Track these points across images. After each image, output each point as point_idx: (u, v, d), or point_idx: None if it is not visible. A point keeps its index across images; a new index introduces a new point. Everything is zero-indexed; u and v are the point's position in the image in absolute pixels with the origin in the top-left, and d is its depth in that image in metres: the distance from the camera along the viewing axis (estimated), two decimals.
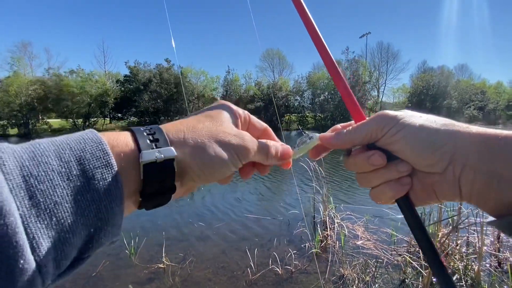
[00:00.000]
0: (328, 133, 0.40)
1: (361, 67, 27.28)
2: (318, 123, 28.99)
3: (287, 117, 29.54)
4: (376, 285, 2.77)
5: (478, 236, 3.05)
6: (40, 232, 0.21)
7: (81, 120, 25.22)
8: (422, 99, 28.95)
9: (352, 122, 0.39)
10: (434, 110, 27.64)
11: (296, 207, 5.13)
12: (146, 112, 24.10)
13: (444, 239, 3.09)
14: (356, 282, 2.80)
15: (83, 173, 0.24)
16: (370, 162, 0.34)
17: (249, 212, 4.93)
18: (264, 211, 5.03)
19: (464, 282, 2.73)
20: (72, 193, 0.23)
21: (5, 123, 22.85)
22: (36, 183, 0.21)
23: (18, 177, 0.21)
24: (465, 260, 3.04)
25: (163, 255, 3.32)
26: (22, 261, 0.20)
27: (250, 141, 0.34)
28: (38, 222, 0.21)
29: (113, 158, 0.25)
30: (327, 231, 3.82)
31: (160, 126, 0.32)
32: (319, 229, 4.00)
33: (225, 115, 0.36)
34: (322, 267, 3.17)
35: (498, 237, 3.37)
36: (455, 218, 3.42)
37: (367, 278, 2.87)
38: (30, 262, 0.20)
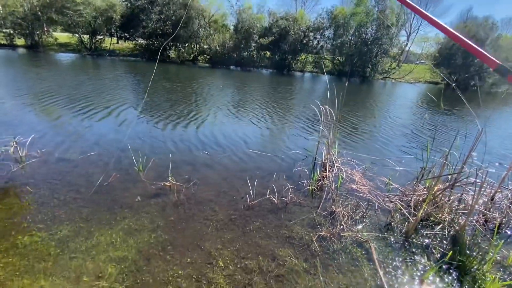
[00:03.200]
0: None
1: (389, 10, 23.78)
2: (335, 68, 27.21)
3: (302, 57, 27.60)
4: (363, 224, 2.98)
5: (473, 195, 3.13)
6: None
7: (88, 36, 24.05)
8: (452, 53, 26.29)
9: None
10: (463, 67, 25.36)
11: (300, 148, 5.22)
12: (154, 34, 22.59)
13: (438, 193, 3.18)
14: (345, 219, 3.01)
15: None
16: None
17: (253, 148, 5.05)
18: (267, 148, 5.14)
19: (447, 232, 2.92)
20: None
21: (11, 32, 22.09)
22: None
23: None
24: (453, 214, 3.20)
25: (169, 175, 3.54)
26: None
27: None
28: None
29: None
30: (326, 172, 3.95)
31: None
32: (318, 170, 4.13)
33: None
34: (316, 202, 3.38)
35: (492, 198, 3.47)
36: (454, 176, 3.46)
37: (356, 217, 3.08)
38: None
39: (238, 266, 2.31)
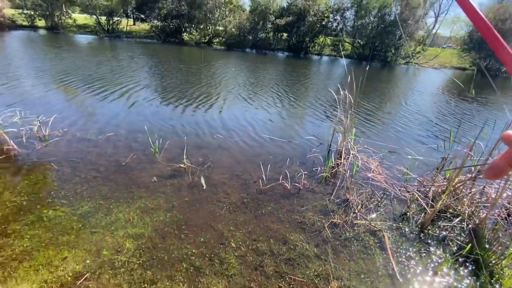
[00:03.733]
0: None
1: None
2: (354, 51, 26.04)
3: (321, 39, 26.53)
4: (377, 213, 2.94)
5: (497, 188, 2.98)
6: None
7: (105, 18, 24.18)
8: None
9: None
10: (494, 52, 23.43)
11: (314, 134, 5.12)
12: (170, 15, 22.36)
13: (459, 184, 3.05)
14: (359, 207, 2.97)
15: None
16: None
17: (266, 133, 5.01)
18: (281, 133, 5.08)
19: (465, 225, 2.82)
20: None
21: (32, 13, 22.59)
22: None
23: None
24: (473, 207, 3.07)
25: (184, 157, 3.59)
26: None
27: None
28: None
29: None
30: (341, 160, 3.87)
31: None
32: (332, 157, 4.05)
33: None
34: (329, 189, 3.34)
35: None
36: (478, 167, 3.30)
37: (370, 206, 3.03)
38: None
39: (250, 247, 2.35)
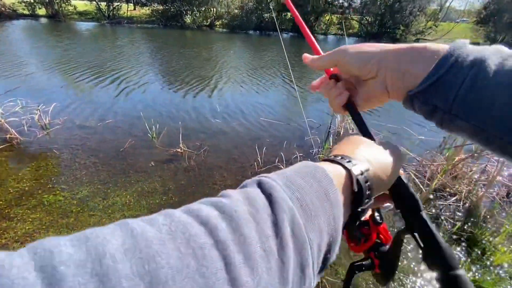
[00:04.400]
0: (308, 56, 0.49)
1: None
2: (362, 29, 25.03)
3: (326, 17, 25.54)
4: None
5: (497, 166, 2.91)
6: (312, 236, 0.27)
7: (105, 3, 23.79)
8: (501, 9, 22.77)
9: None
10: (511, 26, 22.14)
11: (314, 116, 5.06)
12: None
13: (458, 163, 3.00)
14: None
15: (326, 196, 0.29)
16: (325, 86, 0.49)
17: (266, 116, 4.97)
18: (281, 116, 5.04)
19: (461, 204, 2.80)
20: (322, 206, 0.28)
21: (32, 1, 22.38)
22: (305, 201, 0.28)
23: (294, 199, 0.27)
24: (472, 185, 3.03)
25: (181, 142, 3.62)
26: (310, 259, 0.26)
27: None
28: (310, 228, 0.27)
29: (335, 186, 0.31)
30: None
31: (336, 150, 0.38)
32: (331, 139, 4.01)
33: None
34: None
35: None
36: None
37: None
38: (311, 260, 0.26)
39: None
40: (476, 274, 2.08)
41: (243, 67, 9.22)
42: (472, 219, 2.59)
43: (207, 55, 10.94)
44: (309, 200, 0.28)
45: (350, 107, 0.45)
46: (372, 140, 0.41)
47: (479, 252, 2.28)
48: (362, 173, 0.33)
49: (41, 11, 23.21)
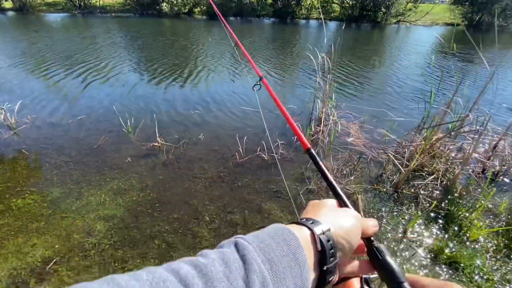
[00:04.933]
0: None
1: None
2: (344, 12, 24.81)
3: (307, 2, 25.10)
4: (354, 176, 2.94)
5: (473, 143, 2.97)
6: None
7: None
8: None
9: None
10: (487, 5, 22.54)
11: (296, 103, 5.00)
12: None
13: (435, 142, 3.04)
14: (335, 172, 2.97)
15: (294, 257, 0.32)
16: None
17: (247, 104, 4.87)
18: (262, 104, 4.94)
19: (439, 182, 2.86)
20: (290, 267, 0.31)
21: None
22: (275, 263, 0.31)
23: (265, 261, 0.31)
24: (449, 164, 3.10)
25: (157, 135, 3.49)
26: None
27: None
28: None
29: (302, 248, 0.34)
30: (320, 126, 3.81)
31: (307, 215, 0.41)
32: (312, 124, 3.98)
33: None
34: (307, 158, 3.31)
35: (495, 147, 3.31)
36: (457, 124, 3.28)
37: (346, 170, 3.03)
38: None
39: (224, 220, 2.36)
40: (453, 249, 2.14)
41: (222, 55, 8.96)
42: (449, 197, 2.66)
43: (183, 44, 10.54)
44: (279, 262, 0.31)
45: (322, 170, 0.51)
46: (346, 205, 0.45)
47: (455, 228, 2.34)
48: (323, 233, 0.36)
49: (8, 4, 21.61)
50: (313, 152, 0.54)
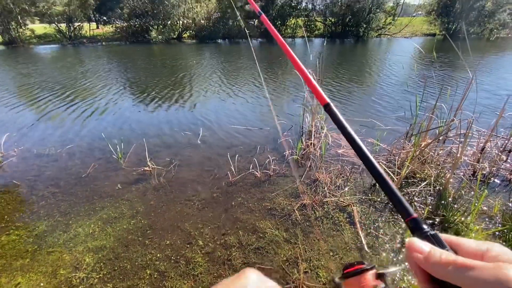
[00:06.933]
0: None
1: None
2: (327, 30, 25.89)
3: (292, 21, 26.17)
4: (347, 188, 2.93)
5: (459, 146, 3.01)
6: None
7: (65, 25, 22.84)
8: (452, 0, 24.52)
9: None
10: (462, 15, 23.89)
11: (286, 118, 5.06)
12: (133, 14, 21.39)
13: (424, 148, 3.08)
14: (329, 184, 2.95)
15: None
16: None
17: (238, 123, 4.90)
18: (251, 121, 4.98)
19: (432, 188, 2.86)
20: None
21: None
22: None
23: None
24: (439, 168, 3.12)
25: (148, 159, 3.45)
26: None
27: None
28: None
29: None
30: (311, 140, 3.83)
31: None
32: (303, 138, 4.01)
33: None
34: (300, 171, 3.31)
35: (482, 149, 3.36)
36: (444, 129, 3.34)
37: (340, 182, 3.01)
38: None
39: (218, 243, 2.29)
40: None
41: (211, 76, 9.13)
42: (443, 202, 2.65)
43: (173, 68, 10.74)
44: None
45: None
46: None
47: (453, 233, 2.31)
48: None
49: None
50: (333, 107, 0.48)
